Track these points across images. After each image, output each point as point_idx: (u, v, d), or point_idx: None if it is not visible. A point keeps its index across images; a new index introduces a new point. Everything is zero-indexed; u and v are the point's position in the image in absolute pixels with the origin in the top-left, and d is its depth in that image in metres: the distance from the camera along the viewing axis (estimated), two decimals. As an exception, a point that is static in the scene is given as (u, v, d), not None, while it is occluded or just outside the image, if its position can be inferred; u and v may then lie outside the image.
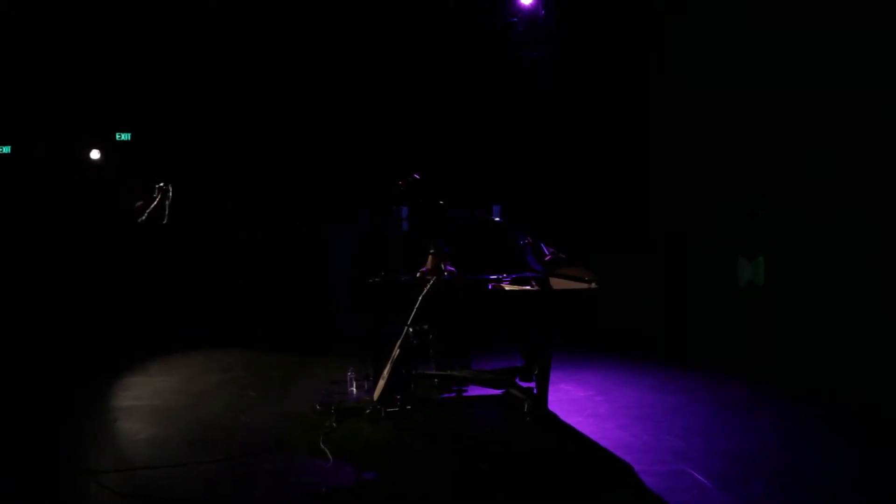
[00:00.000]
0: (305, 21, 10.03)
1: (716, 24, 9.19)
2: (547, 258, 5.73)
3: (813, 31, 8.04)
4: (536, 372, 5.64)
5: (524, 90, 10.48)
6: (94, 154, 10.27)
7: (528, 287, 5.79)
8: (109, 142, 10.24)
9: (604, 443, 5.02)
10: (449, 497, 4.18)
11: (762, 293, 8.99)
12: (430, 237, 6.63)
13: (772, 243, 8.95)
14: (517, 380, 5.99)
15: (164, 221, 5.42)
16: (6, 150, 9.82)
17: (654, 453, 4.79)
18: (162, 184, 5.48)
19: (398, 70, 10.30)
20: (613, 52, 10.20)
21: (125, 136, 10.21)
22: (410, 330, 5.58)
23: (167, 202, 5.42)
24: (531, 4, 9.69)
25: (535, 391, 5.65)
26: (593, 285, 5.59)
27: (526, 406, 5.55)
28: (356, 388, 6.44)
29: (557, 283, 5.70)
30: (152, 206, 5.44)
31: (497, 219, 6.42)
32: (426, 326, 5.77)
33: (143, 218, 5.40)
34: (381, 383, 5.65)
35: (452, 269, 6.52)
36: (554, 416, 5.68)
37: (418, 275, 6.52)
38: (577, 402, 6.22)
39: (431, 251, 6.51)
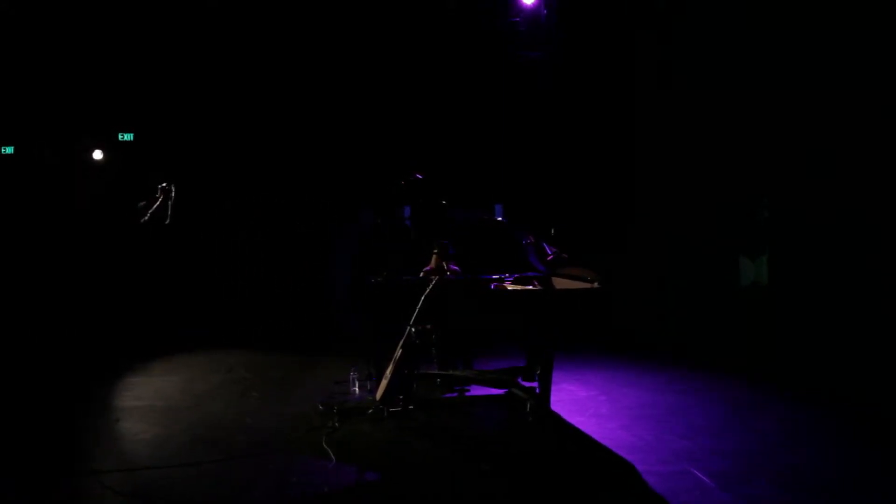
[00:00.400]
0: (306, 21, 10.03)
1: (716, 24, 9.19)
2: (549, 258, 5.73)
3: (813, 32, 8.03)
4: (539, 372, 5.63)
5: (524, 90, 10.47)
6: (97, 154, 10.28)
7: (531, 287, 5.79)
8: (112, 142, 10.25)
9: (606, 443, 5.02)
10: (451, 497, 4.18)
11: (764, 293, 8.99)
12: (432, 237, 6.63)
13: (773, 243, 8.95)
14: (519, 379, 5.99)
15: (167, 221, 5.42)
16: (9, 150, 9.83)
17: (656, 453, 4.79)
18: (165, 184, 5.48)
19: (399, 70, 10.30)
20: (613, 52, 10.21)
21: (128, 137, 10.21)
22: (413, 330, 5.58)
23: (170, 202, 5.42)
24: (533, 4, 9.69)
25: (537, 391, 5.65)
26: (596, 285, 5.59)
27: (528, 406, 5.55)
28: (359, 387, 6.45)
29: (560, 283, 5.70)
30: (155, 206, 5.44)
31: (499, 218, 6.43)
32: (429, 326, 5.77)
33: (146, 218, 5.40)
34: (384, 383, 5.65)
35: (456, 268, 6.52)
36: (556, 416, 5.68)
37: (421, 274, 6.53)
38: (579, 402, 6.22)
39: (435, 251, 6.51)
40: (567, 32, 10.01)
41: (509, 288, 5.80)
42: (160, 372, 7.57)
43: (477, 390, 6.38)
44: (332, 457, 4.66)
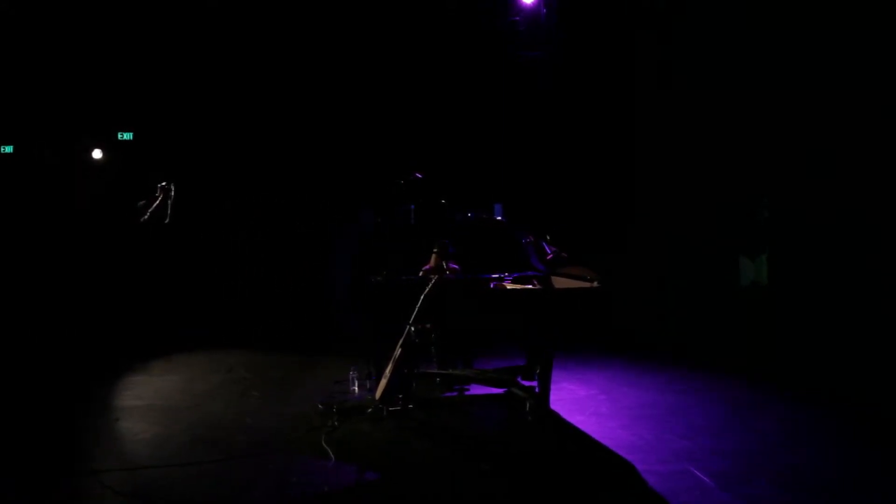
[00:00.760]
0: (306, 21, 10.03)
1: (716, 23, 9.19)
2: (549, 257, 5.73)
3: (813, 32, 8.04)
4: (538, 371, 5.63)
5: (524, 90, 10.47)
6: (97, 153, 10.27)
7: (530, 286, 5.79)
8: (111, 141, 10.24)
9: (606, 442, 5.02)
10: (450, 497, 4.17)
11: (764, 293, 8.99)
12: (432, 236, 6.63)
13: (773, 243, 8.96)
14: (519, 379, 6.00)
15: (167, 220, 5.42)
16: (8, 149, 9.82)
17: (656, 453, 4.79)
18: (164, 183, 5.48)
19: (399, 70, 10.30)
20: (613, 51, 10.20)
21: (127, 136, 10.21)
22: (412, 329, 5.58)
23: (169, 201, 5.41)
24: (532, 3, 9.69)
25: (536, 390, 5.65)
26: (595, 284, 5.59)
27: (528, 405, 5.55)
28: (358, 387, 6.45)
29: (559, 282, 5.70)
30: (154, 205, 5.44)
31: (499, 217, 6.43)
32: (428, 325, 5.76)
33: (146, 217, 5.40)
34: (383, 382, 5.64)
35: (456, 266, 6.51)
36: (556, 416, 5.68)
37: (421, 273, 6.53)
38: (579, 401, 6.22)
39: (435, 250, 6.51)
40: (567, 32, 10.00)
41: (509, 287, 5.80)
42: (160, 372, 7.57)
43: (476, 389, 6.38)
44: (332, 456, 4.66)
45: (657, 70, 10.14)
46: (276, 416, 5.76)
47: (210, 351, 8.75)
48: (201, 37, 9.92)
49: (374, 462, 4.62)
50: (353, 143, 10.55)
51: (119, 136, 10.21)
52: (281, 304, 10.55)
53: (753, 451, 4.86)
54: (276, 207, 10.72)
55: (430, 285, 5.54)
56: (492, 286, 5.84)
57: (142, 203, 5.44)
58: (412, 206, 6.36)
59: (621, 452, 4.78)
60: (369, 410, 5.64)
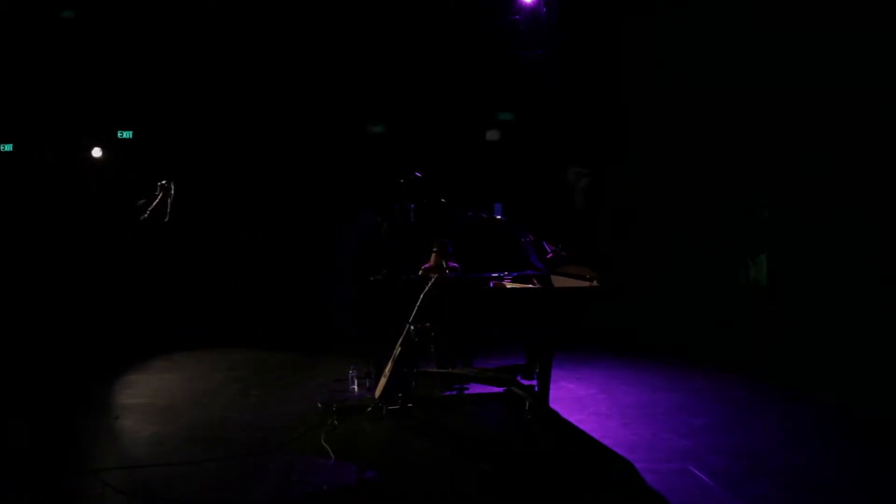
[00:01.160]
0: (306, 21, 10.03)
1: (716, 23, 9.19)
2: (549, 256, 5.74)
3: (813, 32, 8.04)
4: (538, 370, 5.64)
5: (524, 89, 10.46)
6: (96, 152, 10.27)
7: (530, 285, 5.79)
8: (111, 140, 10.24)
9: (605, 441, 5.02)
10: (450, 496, 4.18)
11: (764, 293, 8.99)
12: (432, 235, 6.63)
13: (774, 243, 8.97)
14: (518, 378, 6.00)
15: (166, 219, 5.42)
16: (8, 147, 9.82)
17: (655, 452, 4.79)
18: (164, 181, 5.48)
19: (399, 69, 10.29)
20: (613, 51, 10.20)
21: (127, 135, 10.20)
22: (412, 328, 5.58)
23: (170, 200, 5.42)
24: (533, 3, 9.69)
25: (536, 389, 5.65)
26: (595, 283, 5.59)
27: (527, 404, 5.55)
28: (358, 386, 6.45)
29: (559, 282, 5.70)
30: (154, 203, 5.44)
31: (499, 217, 6.42)
32: (428, 324, 5.76)
33: (146, 215, 5.40)
34: (383, 381, 5.65)
35: (456, 265, 6.51)
36: (555, 415, 5.68)
37: (420, 272, 6.53)
38: (578, 400, 6.22)
39: (435, 249, 6.51)
40: (567, 32, 10.00)
41: (508, 286, 5.81)
42: (160, 371, 7.57)
43: (476, 388, 6.38)
44: (332, 455, 4.67)
45: (656, 69, 10.14)
46: (276, 415, 5.76)
47: (210, 350, 8.75)
48: (201, 36, 9.92)
49: (374, 461, 4.63)
50: (354, 142, 10.55)
51: (119, 134, 10.20)
52: (281, 304, 10.55)
53: (753, 450, 4.86)
54: (276, 207, 10.71)
55: (430, 284, 5.54)
56: (491, 285, 5.84)
57: (142, 202, 5.44)
58: (412, 206, 6.35)
59: (621, 451, 4.79)
60: (369, 409, 5.64)
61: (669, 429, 5.32)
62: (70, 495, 4.16)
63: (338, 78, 10.34)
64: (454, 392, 6.32)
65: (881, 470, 4.57)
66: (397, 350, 5.62)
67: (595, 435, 5.18)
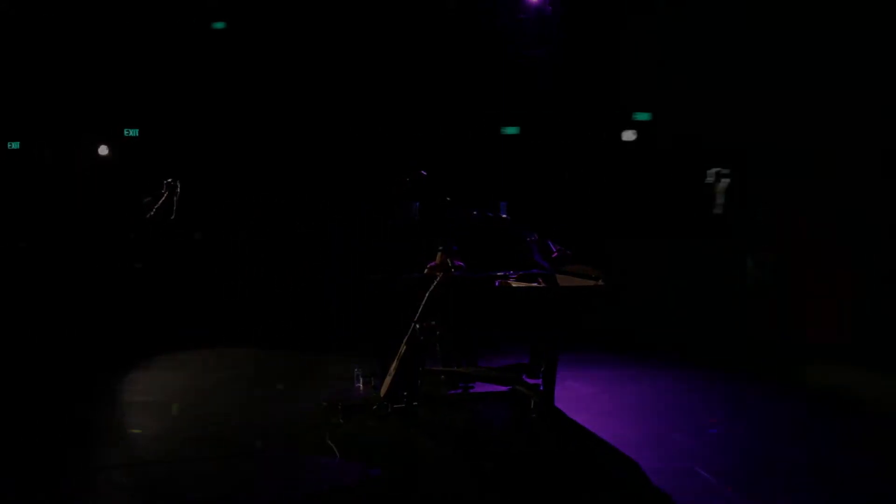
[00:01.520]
0: (306, 20, 10.02)
1: (716, 23, 9.16)
2: (554, 255, 5.73)
3: (813, 32, 8.04)
4: (543, 369, 5.64)
5: (526, 89, 10.45)
6: (102, 150, 10.29)
7: (535, 284, 5.79)
8: (117, 138, 10.25)
9: (610, 440, 5.01)
10: (454, 495, 4.18)
11: (768, 291, 8.98)
12: (437, 234, 6.62)
13: (773, 242, 8.97)
14: (524, 377, 6.00)
15: (172, 217, 5.44)
16: (16, 146, 9.84)
17: (661, 452, 4.79)
18: (171, 180, 5.50)
19: (399, 69, 10.29)
20: (613, 50, 10.17)
21: (133, 133, 10.22)
22: (417, 326, 5.58)
23: (175, 198, 5.43)
24: (538, 1, 9.67)
25: (541, 388, 5.65)
26: (600, 283, 5.59)
27: (532, 403, 5.55)
28: (363, 384, 6.45)
29: (564, 280, 5.70)
30: (160, 202, 5.46)
31: (504, 216, 6.42)
32: (433, 323, 5.76)
33: (152, 213, 5.42)
34: (388, 380, 5.64)
35: (461, 264, 6.50)
36: (560, 414, 5.68)
37: (426, 270, 6.52)
38: (583, 399, 6.22)
39: (441, 248, 6.50)
40: (567, 32, 9.97)
41: (514, 285, 5.81)
42: (162, 369, 7.57)
43: (481, 387, 6.38)
44: (336, 453, 4.67)
45: (656, 69, 10.11)
46: (280, 413, 5.77)
47: (213, 349, 8.75)
48: (201, 35, 9.93)
49: (379, 459, 4.63)
50: (354, 142, 10.55)
51: (125, 132, 10.22)
52: (281, 304, 10.55)
53: (759, 449, 4.86)
54: (276, 207, 10.72)
55: (435, 283, 5.54)
56: (497, 284, 5.84)
57: (147, 199, 5.46)
58: (416, 204, 6.36)
59: (626, 451, 4.78)
60: (374, 408, 5.64)
61: (675, 428, 5.32)
62: (71, 493, 4.16)
63: (339, 77, 10.34)
64: (459, 391, 6.31)
65: (885, 469, 4.56)
66: (402, 348, 5.62)
67: (600, 434, 5.17)
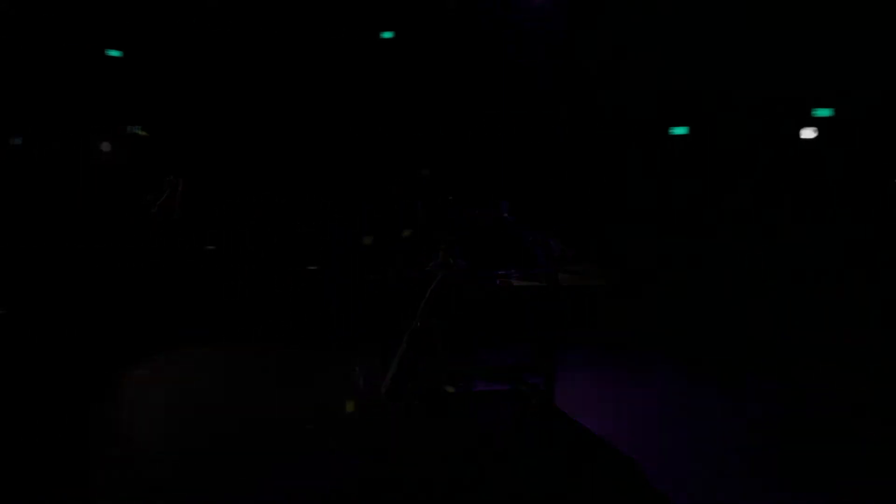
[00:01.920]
0: (307, 20, 10.03)
1: (715, 23, 9.17)
2: (556, 254, 5.74)
3: (813, 31, 8.04)
4: (544, 367, 5.64)
5: (525, 89, 10.45)
6: (105, 146, 10.28)
7: (537, 283, 5.80)
8: (120, 134, 10.25)
9: (611, 440, 5.02)
10: (453, 493, 4.19)
11: (768, 291, 8.99)
12: (439, 232, 6.63)
13: (773, 242, 8.98)
14: (524, 375, 6.00)
15: (176, 215, 5.44)
16: (18, 141, 9.83)
17: (660, 451, 4.80)
18: (171, 177, 5.49)
19: (399, 69, 10.29)
20: (612, 50, 10.18)
21: (137, 129, 10.22)
22: (418, 324, 5.59)
23: (177, 197, 5.43)
24: (535, 2, 9.69)
25: (542, 387, 5.66)
26: (601, 282, 5.60)
27: (532, 402, 5.56)
28: (363, 382, 6.45)
29: (565, 280, 5.71)
30: (162, 199, 5.46)
31: (506, 215, 6.43)
32: (434, 321, 5.77)
33: (154, 211, 5.41)
34: (388, 378, 5.65)
35: (463, 262, 6.51)
36: (561, 413, 5.68)
37: (428, 269, 6.53)
38: (584, 398, 6.22)
39: (443, 246, 6.51)
40: (567, 32, 9.98)
41: (515, 284, 5.81)
42: (164, 368, 7.57)
43: (481, 386, 6.38)
44: (336, 451, 4.68)
45: (656, 68, 10.11)
46: (281, 412, 5.77)
47: (214, 349, 8.75)
48: (201, 35, 9.93)
49: (379, 458, 4.64)
50: (356, 141, 10.55)
51: (129, 129, 10.21)
52: (281, 304, 10.55)
53: (759, 447, 4.86)
54: (276, 207, 10.71)
55: (437, 281, 5.55)
56: (498, 282, 5.84)
57: (149, 197, 5.45)
58: (419, 203, 6.36)
59: (626, 451, 4.79)
60: (374, 406, 5.65)
61: (676, 428, 5.32)
62: (72, 490, 4.17)
63: (339, 77, 10.34)
64: (460, 389, 6.31)
65: (890, 468, 4.57)
66: (403, 347, 5.63)
67: (599, 433, 5.18)
